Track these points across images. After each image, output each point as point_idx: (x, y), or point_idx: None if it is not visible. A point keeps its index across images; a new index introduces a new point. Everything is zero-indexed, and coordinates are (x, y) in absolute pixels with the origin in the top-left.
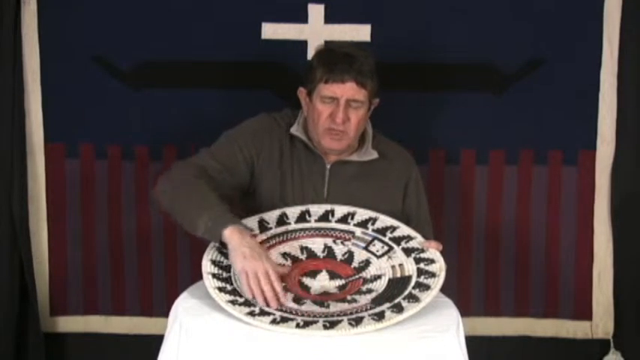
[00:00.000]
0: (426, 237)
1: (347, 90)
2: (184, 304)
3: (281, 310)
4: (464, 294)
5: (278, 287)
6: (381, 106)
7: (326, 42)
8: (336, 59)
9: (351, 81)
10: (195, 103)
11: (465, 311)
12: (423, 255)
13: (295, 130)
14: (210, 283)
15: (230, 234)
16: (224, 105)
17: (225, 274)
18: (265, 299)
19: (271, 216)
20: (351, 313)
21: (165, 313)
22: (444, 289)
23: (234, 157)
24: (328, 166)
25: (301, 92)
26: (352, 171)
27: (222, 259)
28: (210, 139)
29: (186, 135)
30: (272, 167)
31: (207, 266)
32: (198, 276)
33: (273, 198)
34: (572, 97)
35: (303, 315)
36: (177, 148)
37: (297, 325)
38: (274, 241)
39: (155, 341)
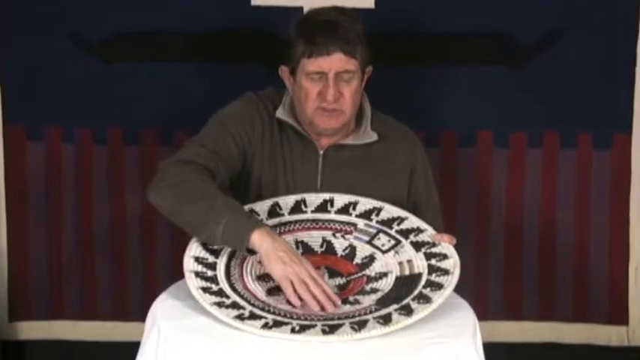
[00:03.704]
0: (437, 229)
1: (334, 62)
2: (163, 307)
3: (274, 313)
4: (481, 294)
5: (329, 289)
6: (384, 83)
7: (305, 11)
8: (318, 29)
9: (338, 51)
10: (175, 79)
11: (483, 314)
12: (434, 250)
13: (281, 113)
14: (193, 282)
15: (260, 238)
16: (209, 80)
17: (210, 273)
18: (319, 304)
19: (262, 207)
20: (354, 316)
21: (141, 317)
22: (458, 289)
23: (226, 145)
24: (321, 152)
25: (283, 71)
26: (349, 156)
27: (206, 255)
28: (193, 120)
29: (166, 115)
30: (262, 154)
31: (189, 264)
32: (179, 275)
33: (263, 188)
34: (604, 74)
35: (299, 318)
36: (157, 130)
37: (293, 330)
38: None
39: (130, 349)
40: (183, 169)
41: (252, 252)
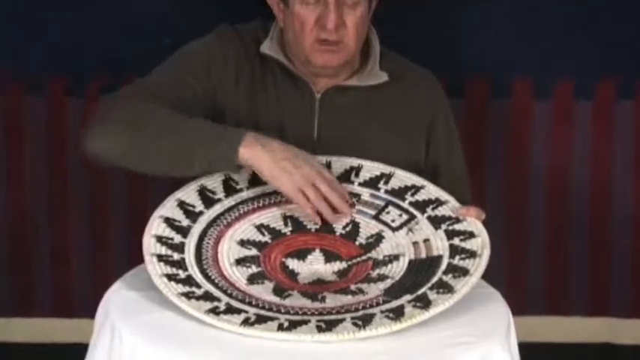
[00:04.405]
0: (461, 201)
1: None
2: (118, 299)
3: (257, 306)
4: (516, 283)
5: (338, 185)
6: (394, 15)
7: None
8: None
9: None
10: (130, 16)
11: (519, 308)
12: (458, 227)
13: (268, 48)
14: (155, 268)
15: (251, 152)
16: (172, 16)
17: (176, 256)
18: (336, 211)
19: (241, 174)
20: (357, 310)
21: (89, 312)
22: (487, 276)
23: (186, 89)
24: (318, 96)
25: None
26: (352, 101)
27: (171, 233)
28: (153, 66)
29: (119, 60)
30: (238, 102)
31: (150, 245)
32: (137, 259)
33: None
34: None
35: (288, 312)
36: (107, 80)
37: (280, 327)
38: (246, 208)
39: (76, 352)
40: (133, 99)
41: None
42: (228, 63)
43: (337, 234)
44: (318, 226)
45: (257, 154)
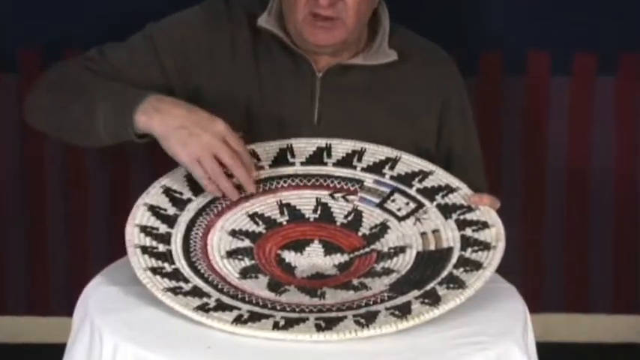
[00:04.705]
0: (476, 188)
1: None
2: (98, 296)
3: (250, 302)
4: (534, 278)
5: (247, 157)
6: None
7: None
8: None
9: None
10: None
11: (537, 304)
12: (470, 216)
13: (265, 21)
14: (139, 261)
15: (147, 119)
16: None
17: (162, 248)
18: (239, 187)
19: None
20: (359, 307)
21: (67, 309)
22: (503, 271)
23: (145, 68)
24: (319, 75)
25: None
26: (357, 82)
27: (157, 223)
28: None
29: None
30: (224, 82)
31: (133, 235)
32: (119, 251)
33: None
34: None
35: (284, 309)
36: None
37: (276, 326)
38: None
39: (52, 353)
40: (69, 67)
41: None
42: (212, 37)
43: (338, 224)
44: (317, 216)
45: (152, 121)
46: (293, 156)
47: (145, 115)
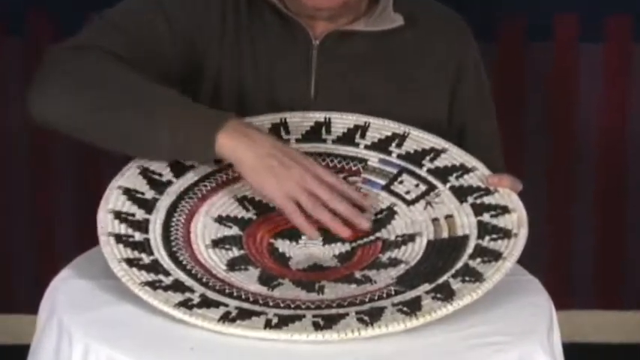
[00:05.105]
0: (494, 168)
1: None
2: (66, 291)
3: (239, 298)
4: (561, 270)
5: (355, 194)
6: None
7: None
8: None
9: None
10: None
11: (564, 300)
12: (488, 199)
13: None
14: (112, 252)
15: (232, 142)
16: None
17: (139, 236)
18: (349, 224)
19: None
20: (363, 302)
21: (31, 306)
22: (525, 262)
23: (155, 30)
24: (316, 43)
25: None
26: (358, 50)
27: (133, 208)
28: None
29: None
30: (219, 49)
31: (107, 222)
32: (90, 240)
33: (223, 100)
34: None
35: (277, 305)
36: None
37: (268, 324)
38: (225, 177)
39: (15, 355)
40: (84, 56)
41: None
42: (211, 3)
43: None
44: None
45: (238, 146)
46: (287, 132)
47: (231, 139)
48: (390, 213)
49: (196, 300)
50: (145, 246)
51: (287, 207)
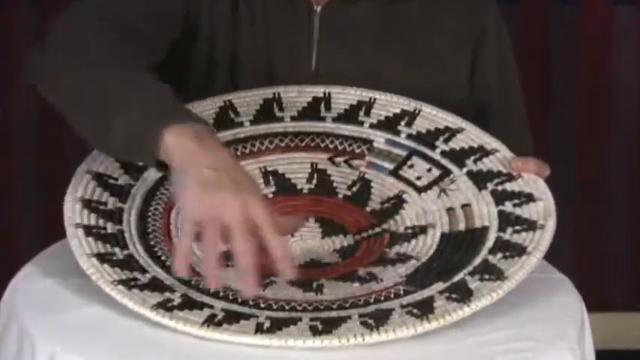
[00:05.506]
0: (517, 150)
1: None
2: (28, 291)
3: (226, 299)
4: (594, 267)
5: (280, 251)
6: None
7: None
8: None
9: None
10: None
11: (597, 302)
12: (510, 186)
13: None
14: (81, 246)
15: (175, 141)
16: None
17: (111, 227)
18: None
19: (206, 108)
20: (367, 304)
21: None
22: (553, 258)
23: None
24: (318, 9)
25: None
26: (364, 18)
27: (105, 196)
28: None
29: None
30: (214, 16)
31: (74, 212)
32: (56, 233)
33: (215, 69)
34: None
35: (269, 307)
36: None
37: (259, 328)
38: None
39: None
40: (90, 29)
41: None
42: None
43: (340, 196)
44: (313, 186)
45: (183, 145)
46: (281, 109)
47: (174, 136)
48: (399, 202)
49: (177, 301)
50: (118, 239)
51: (186, 229)
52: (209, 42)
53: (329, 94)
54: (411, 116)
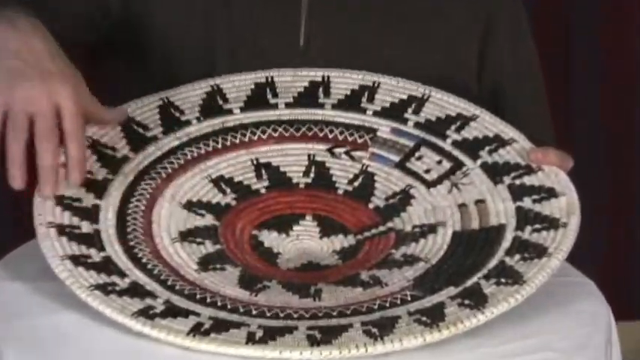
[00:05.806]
0: (537, 139)
1: None
2: None
3: (214, 305)
4: (622, 270)
5: (75, 150)
6: None
7: None
8: None
9: None
10: None
11: (625, 308)
12: (530, 180)
13: None
14: (53, 247)
15: None
16: None
17: (87, 227)
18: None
19: (192, 93)
20: (370, 310)
21: None
22: (577, 261)
23: None
24: None
25: None
26: None
27: (79, 191)
28: None
29: None
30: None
31: (45, 209)
32: (24, 232)
33: (185, 51)
34: None
35: (262, 315)
36: None
37: (251, 338)
38: (195, 152)
39: None
40: None
41: None
42: None
43: (340, 192)
44: (310, 180)
45: None
46: (275, 94)
47: None
48: (405, 197)
49: (160, 308)
50: (94, 239)
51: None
52: (169, 25)
53: (328, 77)
54: (419, 102)
